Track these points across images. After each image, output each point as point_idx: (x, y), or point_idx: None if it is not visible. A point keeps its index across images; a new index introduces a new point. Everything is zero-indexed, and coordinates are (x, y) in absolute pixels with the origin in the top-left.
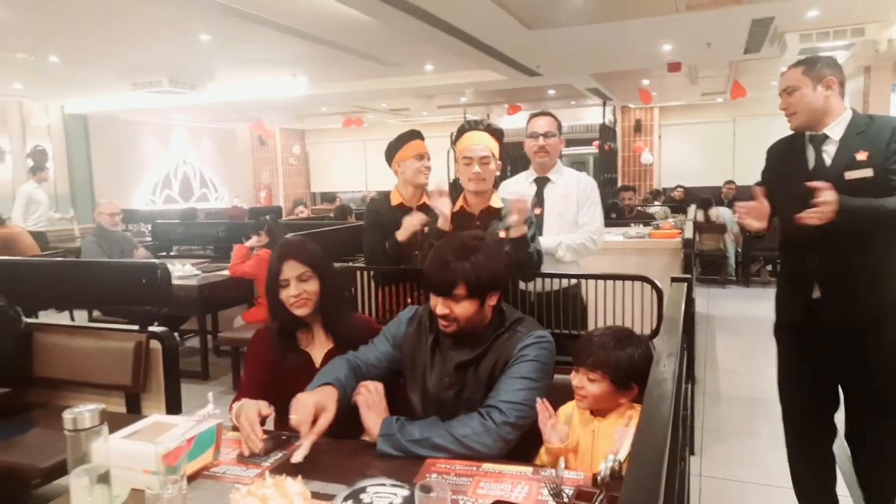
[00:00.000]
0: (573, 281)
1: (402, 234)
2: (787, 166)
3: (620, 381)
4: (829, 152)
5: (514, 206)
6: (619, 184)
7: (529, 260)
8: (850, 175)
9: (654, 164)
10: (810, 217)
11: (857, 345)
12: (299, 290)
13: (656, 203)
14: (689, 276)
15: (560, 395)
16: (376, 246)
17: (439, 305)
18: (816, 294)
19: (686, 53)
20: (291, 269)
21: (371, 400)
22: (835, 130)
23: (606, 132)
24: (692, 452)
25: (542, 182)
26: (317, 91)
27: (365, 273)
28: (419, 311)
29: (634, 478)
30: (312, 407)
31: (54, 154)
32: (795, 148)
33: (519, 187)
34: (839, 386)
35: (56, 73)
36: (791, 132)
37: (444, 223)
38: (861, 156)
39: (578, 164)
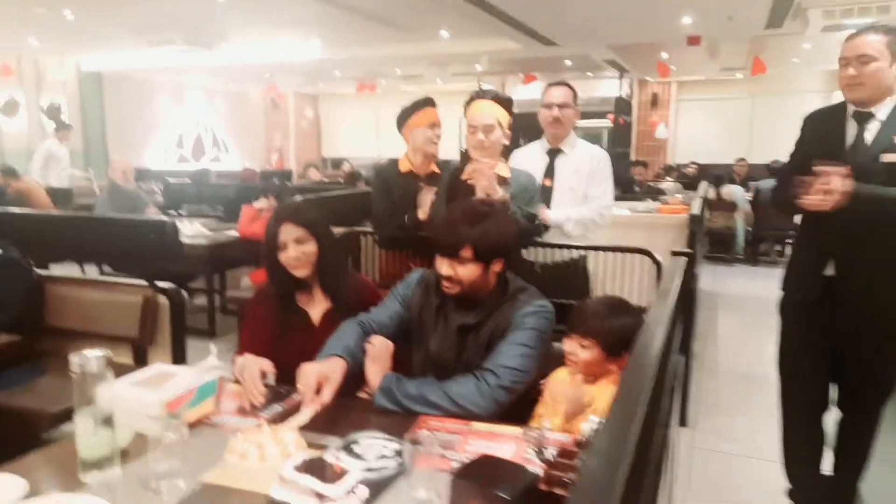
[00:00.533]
0: (581, 253)
1: (423, 213)
2: (824, 139)
3: (611, 348)
4: (871, 131)
5: (478, 168)
6: (633, 158)
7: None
8: (887, 158)
9: (668, 139)
10: (811, 202)
11: (864, 323)
12: (297, 252)
13: (668, 179)
14: (689, 251)
15: (560, 363)
16: (385, 212)
17: (444, 266)
18: (831, 271)
19: (706, 26)
20: (289, 232)
21: (377, 354)
22: (882, 110)
23: (622, 105)
24: (684, 424)
25: (554, 154)
26: (331, 55)
27: (370, 237)
28: (427, 273)
29: (603, 438)
30: (316, 377)
31: (69, 110)
32: (835, 121)
33: (531, 158)
34: (837, 360)
35: (71, 29)
36: (832, 104)
37: (422, 214)
38: None
39: (592, 136)
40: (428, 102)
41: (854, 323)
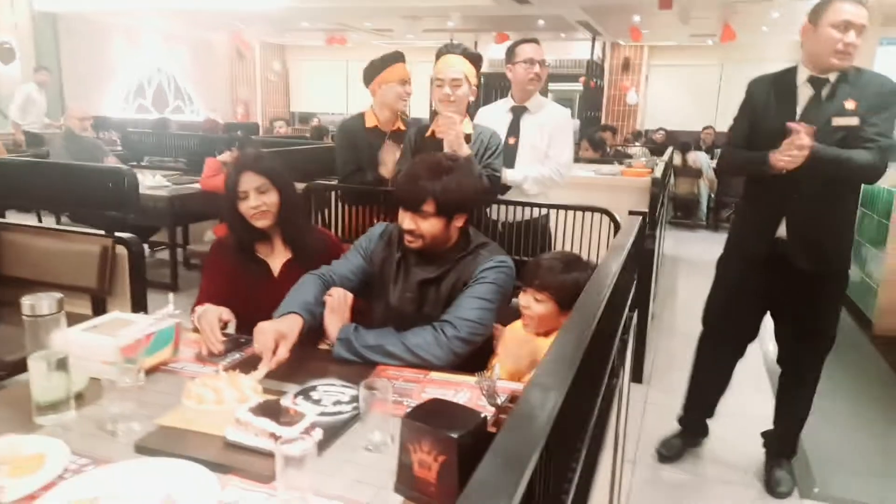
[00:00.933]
0: (543, 212)
1: (385, 170)
2: (775, 104)
3: (565, 302)
4: (822, 96)
5: (445, 122)
6: (603, 122)
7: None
8: (838, 121)
9: (638, 104)
10: (783, 160)
11: (808, 283)
12: (259, 201)
13: (636, 144)
14: (645, 210)
15: (517, 318)
16: (348, 167)
17: (407, 220)
18: (782, 233)
19: None
20: (249, 181)
21: (336, 304)
22: (832, 76)
23: (594, 69)
24: (639, 380)
25: (518, 111)
26: (298, 3)
27: (334, 192)
28: (389, 226)
29: (535, 382)
30: (273, 336)
31: (21, 53)
32: (785, 87)
33: (495, 116)
34: (763, 317)
35: None
36: (777, 70)
37: (385, 171)
38: (850, 104)
39: (565, 100)
40: (398, 58)
41: (799, 282)
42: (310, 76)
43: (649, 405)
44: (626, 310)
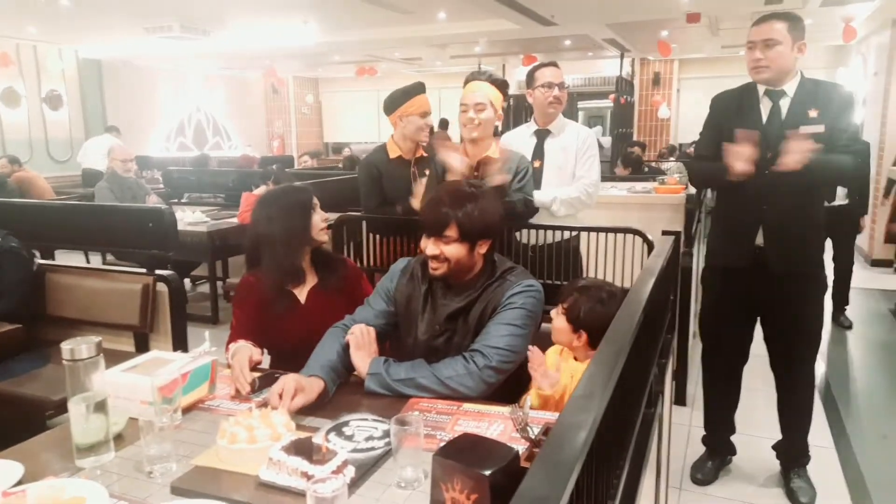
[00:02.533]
0: (573, 234)
1: (416, 202)
2: (738, 118)
3: (575, 321)
4: (783, 107)
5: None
6: (635, 138)
7: (512, 209)
8: (805, 129)
9: (671, 118)
10: (791, 162)
11: (788, 287)
12: (325, 215)
13: (671, 159)
14: (678, 230)
15: (550, 343)
16: (372, 200)
17: (430, 245)
18: (760, 241)
19: (705, 3)
20: (316, 199)
21: (360, 341)
22: (790, 88)
23: (623, 85)
24: (682, 403)
25: (542, 135)
26: (329, 39)
27: (364, 223)
28: (411, 262)
29: (562, 420)
30: (294, 385)
31: (69, 99)
32: (748, 101)
33: (519, 140)
34: (758, 322)
35: (69, 16)
36: (738, 85)
37: (416, 203)
38: (813, 113)
39: (595, 118)
40: (419, 89)
41: (779, 286)
42: (342, 107)
43: (694, 427)
44: (664, 333)
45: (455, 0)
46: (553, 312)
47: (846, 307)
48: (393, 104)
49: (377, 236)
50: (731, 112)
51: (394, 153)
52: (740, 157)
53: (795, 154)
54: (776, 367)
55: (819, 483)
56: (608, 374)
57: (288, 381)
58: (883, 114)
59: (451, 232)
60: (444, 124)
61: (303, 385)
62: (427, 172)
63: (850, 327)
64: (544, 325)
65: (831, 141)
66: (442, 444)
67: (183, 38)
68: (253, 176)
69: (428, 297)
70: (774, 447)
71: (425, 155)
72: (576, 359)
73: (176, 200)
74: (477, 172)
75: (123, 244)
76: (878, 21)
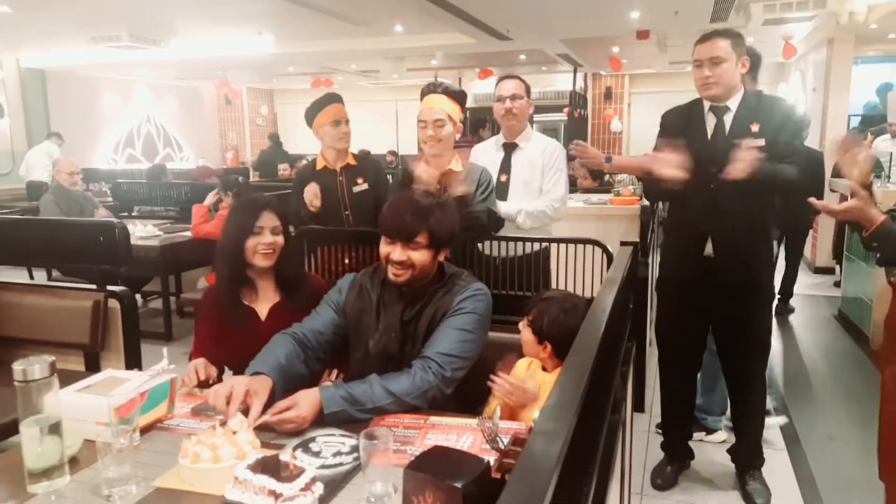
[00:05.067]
0: (542, 247)
1: (311, 206)
2: (686, 133)
3: (539, 332)
4: (726, 122)
5: (421, 179)
6: None
7: (476, 220)
8: (747, 144)
9: (622, 131)
10: (738, 170)
11: (736, 296)
12: (271, 239)
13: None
14: (636, 241)
15: (505, 352)
16: (300, 210)
17: (397, 251)
18: (709, 251)
19: (654, 21)
20: (269, 219)
21: (291, 405)
22: (733, 103)
23: (577, 99)
24: (641, 409)
25: (510, 148)
26: (284, 50)
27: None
28: (357, 276)
29: (542, 425)
30: (243, 387)
31: (10, 109)
32: (695, 116)
33: (487, 153)
34: (709, 330)
35: (8, 24)
36: (685, 102)
37: (311, 207)
38: (755, 127)
39: (549, 130)
40: (330, 99)
41: (728, 296)
42: (298, 119)
43: (653, 434)
44: (624, 341)
45: (412, 13)
46: (520, 325)
47: (790, 299)
48: (309, 117)
49: (327, 248)
50: (679, 128)
51: (320, 165)
52: (666, 164)
53: (742, 163)
54: (728, 376)
55: (773, 484)
56: (578, 382)
57: (237, 384)
58: (822, 128)
59: (422, 238)
60: None
61: (255, 388)
62: (359, 181)
63: (792, 311)
64: (503, 335)
65: (773, 153)
66: (412, 458)
67: (132, 49)
68: (209, 189)
69: (380, 307)
70: (729, 451)
71: (353, 164)
72: (544, 369)
73: (126, 214)
74: (439, 185)
75: (73, 259)
76: (816, 39)
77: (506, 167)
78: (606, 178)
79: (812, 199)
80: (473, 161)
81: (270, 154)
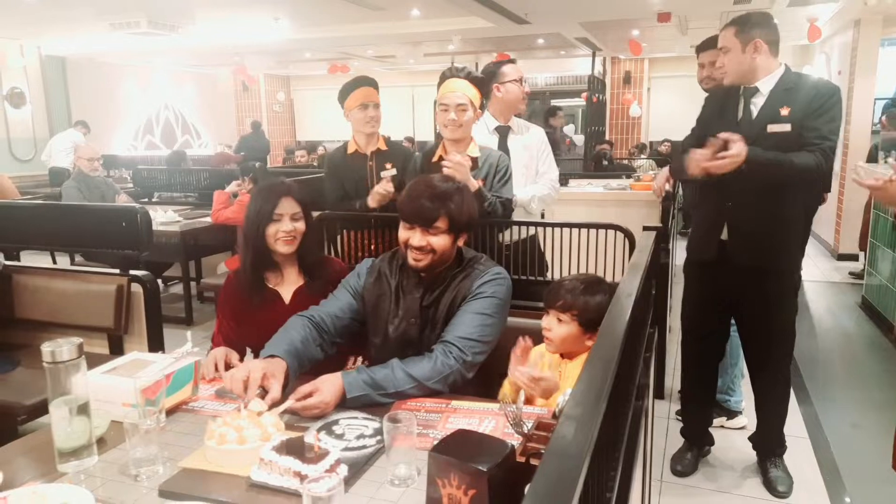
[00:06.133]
0: (537, 230)
1: (373, 201)
2: (719, 115)
3: (588, 323)
4: (756, 105)
5: (453, 166)
6: (607, 137)
7: (493, 212)
8: (772, 129)
9: (642, 117)
10: (714, 166)
11: (755, 282)
12: (291, 226)
13: (642, 157)
14: (659, 225)
15: (515, 337)
16: (334, 195)
17: (417, 237)
18: (725, 235)
19: (675, 3)
20: (288, 206)
21: (314, 390)
22: (765, 85)
23: (595, 84)
24: (661, 396)
25: (503, 131)
26: (300, 35)
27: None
28: (376, 262)
29: (571, 410)
30: (260, 371)
31: (31, 96)
32: (730, 98)
33: (479, 137)
34: (732, 317)
35: (30, 12)
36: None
37: (373, 202)
38: (784, 111)
39: (567, 116)
40: (360, 82)
41: (747, 281)
42: (314, 105)
43: (672, 420)
44: (647, 327)
45: None
46: (547, 321)
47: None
48: (340, 102)
49: (352, 233)
50: (715, 111)
51: (351, 148)
52: (697, 160)
53: (717, 162)
54: (751, 366)
55: (795, 472)
56: (606, 368)
57: (254, 368)
58: (847, 111)
59: (441, 223)
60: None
61: (271, 371)
62: (387, 166)
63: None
64: (519, 319)
65: (801, 139)
66: (435, 441)
67: (151, 35)
68: (230, 174)
69: (399, 292)
70: (751, 438)
71: (384, 149)
72: (562, 356)
73: (146, 200)
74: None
75: (96, 244)
76: (841, 21)
77: (504, 152)
78: (604, 162)
79: (854, 177)
80: (484, 146)
81: (250, 139)
